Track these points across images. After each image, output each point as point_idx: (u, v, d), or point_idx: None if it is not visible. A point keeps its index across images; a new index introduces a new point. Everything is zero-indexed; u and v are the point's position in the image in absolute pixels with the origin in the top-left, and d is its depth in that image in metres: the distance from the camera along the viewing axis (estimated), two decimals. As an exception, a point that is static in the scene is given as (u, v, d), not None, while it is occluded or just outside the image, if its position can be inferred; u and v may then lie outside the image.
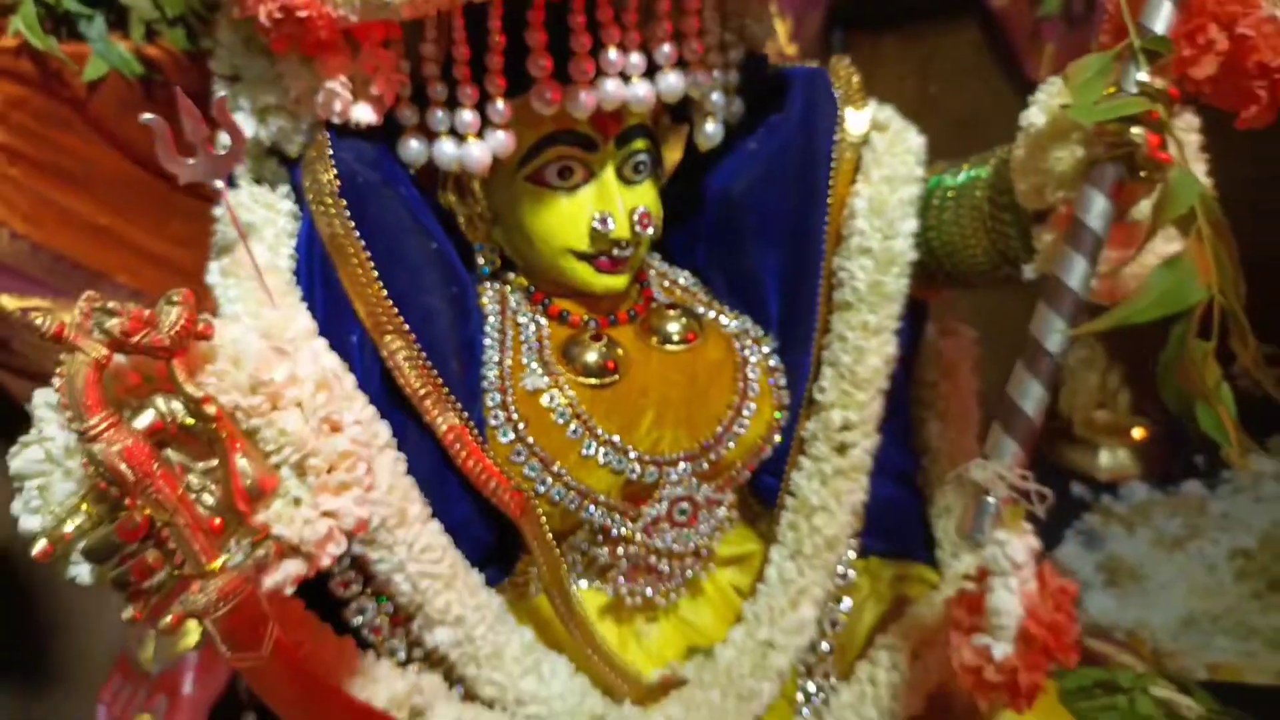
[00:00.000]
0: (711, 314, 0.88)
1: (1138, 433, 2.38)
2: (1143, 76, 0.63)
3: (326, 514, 0.53)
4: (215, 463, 0.51)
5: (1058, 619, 0.65)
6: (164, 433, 0.50)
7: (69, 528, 0.49)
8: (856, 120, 0.85)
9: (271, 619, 0.52)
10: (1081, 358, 2.47)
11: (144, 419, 0.49)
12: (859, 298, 0.83)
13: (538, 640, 0.83)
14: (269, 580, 0.52)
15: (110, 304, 0.47)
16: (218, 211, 0.73)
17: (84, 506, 0.50)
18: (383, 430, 0.72)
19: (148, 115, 0.63)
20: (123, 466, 0.46)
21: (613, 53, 0.72)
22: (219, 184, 0.65)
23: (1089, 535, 2.15)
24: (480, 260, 0.84)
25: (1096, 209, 0.65)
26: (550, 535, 0.80)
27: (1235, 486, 2.30)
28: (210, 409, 0.50)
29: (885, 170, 0.83)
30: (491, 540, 0.80)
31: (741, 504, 0.91)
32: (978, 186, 0.79)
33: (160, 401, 0.50)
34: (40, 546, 0.49)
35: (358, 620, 0.76)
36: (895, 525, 0.93)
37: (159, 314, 0.48)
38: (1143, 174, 0.63)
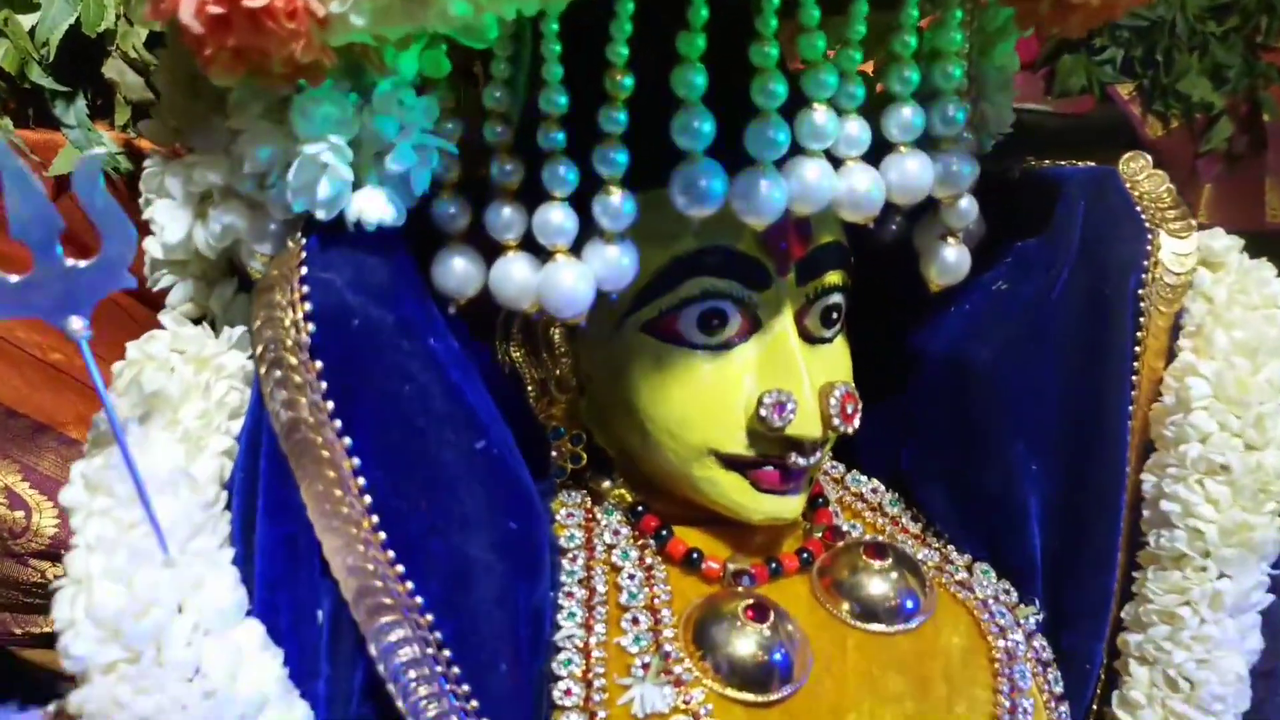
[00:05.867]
0: (933, 557, 0.53)
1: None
2: None
3: None
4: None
5: None
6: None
7: None
8: (1176, 251, 0.52)
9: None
10: None
11: None
12: (1201, 550, 0.48)
13: None
14: None
15: None
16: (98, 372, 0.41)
17: None
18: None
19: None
20: None
21: (820, 113, 0.41)
22: (75, 323, 0.33)
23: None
24: (554, 455, 0.51)
25: None
26: None
27: None
28: None
29: (1238, 333, 0.49)
30: None
31: None
32: None
33: None
34: None
35: None
36: None
37: None
38: None
